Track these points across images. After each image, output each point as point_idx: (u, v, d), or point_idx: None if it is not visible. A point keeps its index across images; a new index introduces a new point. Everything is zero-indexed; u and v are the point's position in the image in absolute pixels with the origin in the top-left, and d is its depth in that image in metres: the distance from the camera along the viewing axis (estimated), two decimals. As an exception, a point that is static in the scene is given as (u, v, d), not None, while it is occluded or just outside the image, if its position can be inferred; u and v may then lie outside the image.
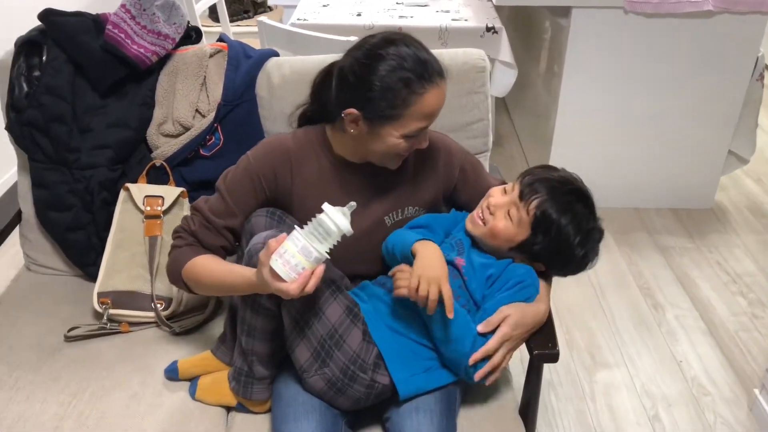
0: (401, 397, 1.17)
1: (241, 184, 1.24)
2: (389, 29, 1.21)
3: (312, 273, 1.03)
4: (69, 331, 1.42)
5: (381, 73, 1.10)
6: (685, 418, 1.84)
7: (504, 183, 1.36)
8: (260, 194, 1.25)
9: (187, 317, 1.50)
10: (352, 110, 1.14)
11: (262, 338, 1.19)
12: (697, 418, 1.84)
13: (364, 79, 1.12)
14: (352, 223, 1.23)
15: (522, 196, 1.19)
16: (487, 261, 1.22)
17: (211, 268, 1.20)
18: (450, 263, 1.22)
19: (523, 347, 1.24)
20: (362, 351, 1.16)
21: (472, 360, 1.13)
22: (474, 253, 1.25)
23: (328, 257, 1.04)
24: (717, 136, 2.76)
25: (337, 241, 1.04)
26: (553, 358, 1.22)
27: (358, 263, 1.29)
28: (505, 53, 2.58)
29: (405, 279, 1.12)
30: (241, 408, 1.27)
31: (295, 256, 1.02)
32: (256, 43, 2.59)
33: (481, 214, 1.24)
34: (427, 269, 1.11)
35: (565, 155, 2.83)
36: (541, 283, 1.24)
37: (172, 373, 1.31)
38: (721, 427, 1.81)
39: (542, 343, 1.22)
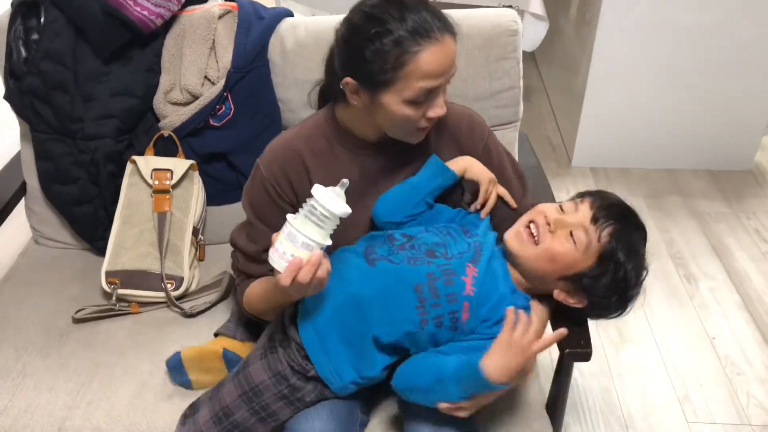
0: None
1: (261, 198, 1.15)
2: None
3: (305, 261, 0.94)
4: (76, 312, 1.37)
5: (372, 34, 0.98)
6: (716, 399, 1.77)
7: (520, 174, 1.24)
8: (282, 203, 1.15)
9: (199, 296, 1.45)
10: (349, 79, 1.04)
11: None
12: (729, 400, 1.76)
13: (356, 43, 1.01)
14: (369, 203, 1.16)
15: (595, 219, 1.03)
16: (503, 291, 1.05)
17: (258, 291, 1.14)
18: (443, 269, 1.04)
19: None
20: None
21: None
22: (499, 264, 1.08)
23: (324, 243, 0.95)
24: (760, 92, 2.58)
25: (337, 225, 0.96)
26: (585, 357, 1.13)
27: None
28: (536, 4, 2.41)
29: None
30: (230, 356, 1.22)
31: (283, 243, 0.94)
32: (270, -7, 2.45)
33: (534, 230, 1.05)
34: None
35: (597, 111, 2.69)
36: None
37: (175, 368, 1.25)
38: (754, 410, 1.74)
39: (574, 340, 1.14)
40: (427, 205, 1.17)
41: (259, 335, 1.22)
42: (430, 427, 1.06)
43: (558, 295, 1.07)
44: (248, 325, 1.29)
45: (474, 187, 1.17)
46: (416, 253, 1.07)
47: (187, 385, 1.23)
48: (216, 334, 1.32)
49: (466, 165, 1.16)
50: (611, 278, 1.03)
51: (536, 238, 1.05)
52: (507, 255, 1.09)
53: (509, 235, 1.08)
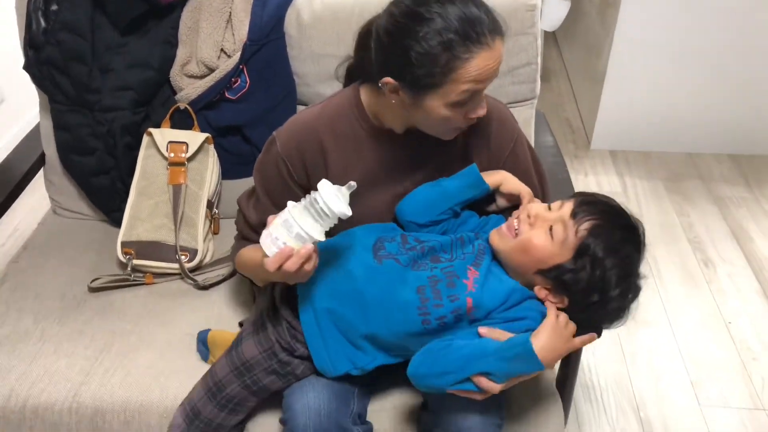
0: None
1: (272, 175, 1.13)
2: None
3: (295, 252, 0.93)
4: (92, 281, 1.39)
5: (419, 36, 0.93)
6: (730, 384, 1.75)
7: (543, 179, 1.22)
8: (292, 183, 1.13)
9: (213, 269, 1.46)
10: (390, 79, 0.99)
11: None
12: (743, 384, 1.75)
13: (401, 43, 0.95)
14: (390, 191, 1.14)
15: (574, 215, 1.00)
16: (513, 283, 1.04)
17: (247, 255, 1.13)
18: (446, 272, 1.03)
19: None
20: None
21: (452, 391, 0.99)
22: (496, 268, 1.06)
23: (318, 239, 0.94)
24: (787, 76, 2.53)
25: (334, 224, 0.95)
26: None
27: None
28: (558, -18, 2.37)
29: None
30: None
31: (277, 229, 0.94)
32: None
33: (515, 225, 1.04)
34: None
35: (618, 93, 2.65)
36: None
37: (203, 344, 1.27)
38: (768, 395, 1.72)
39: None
40: (454, 213, 1.15)
41: None
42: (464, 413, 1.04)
43: (539, 291, 1.03)
44: None
45: (511, 200, 1.15)
46: (422, 258, 1.07)
47: (205, 357, 1.26)
48: (241, 324, 1.32)
49: (502, 178, 1.13)
50: (589, 275, 0.99)
51: (516, 231, 1.04)
52: (494, 253, 1.07)
53: (493, 232, 1.07)
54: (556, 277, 1.00)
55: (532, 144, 1.53)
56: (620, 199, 1.06)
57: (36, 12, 1.47)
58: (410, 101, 1.01)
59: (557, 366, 1.24)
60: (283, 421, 1.09)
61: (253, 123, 1.51)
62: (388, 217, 1.16)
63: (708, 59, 2.51)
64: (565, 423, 1.20)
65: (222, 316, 1.35)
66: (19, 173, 1.54)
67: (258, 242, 1.01)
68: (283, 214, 0.94)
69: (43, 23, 1.47)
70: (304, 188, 1.14)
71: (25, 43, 1.49)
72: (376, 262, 1.05)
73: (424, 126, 1.07)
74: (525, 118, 1.51)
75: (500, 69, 1.41)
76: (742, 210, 2.38)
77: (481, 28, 0.94)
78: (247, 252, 1.15)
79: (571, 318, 1.01)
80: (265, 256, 0.94)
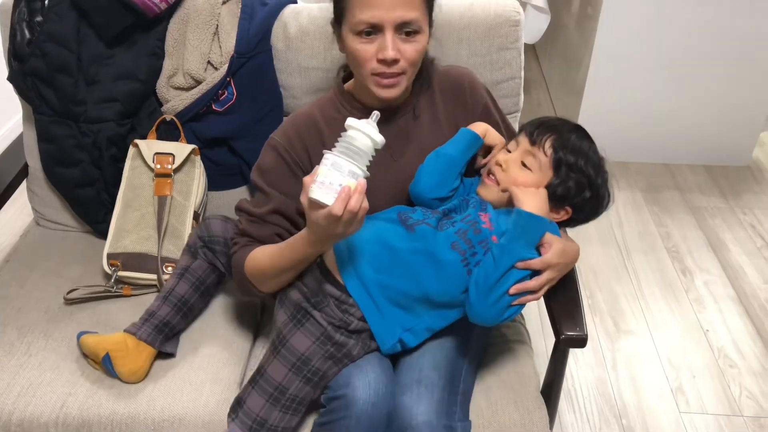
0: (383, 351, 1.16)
1: (275, 166, 1.19)
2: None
3: (353, 189, 0.96)
4: (68, 293, 1.38)
5: None
6: (709, 390, 1.79)
7: (513, 134, 1.31)
8: (296, 168, 1.19)
9: (200, 280, 1.46)
10: (335, 25, 1.15)
11: None
12: (722, 391, 1.79)
13: None
14: (391, 174, 1.21)
15: (533, 142, 1.15)
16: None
17: (269, 251, 1.15)
18: (467, 221, 1.13)
19: (549, 329, 1.18)
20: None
21: (514, 290, 1.07)
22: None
23: (367, 173, 0.98)
24: (759, 88, 2.60)
25: (372, 156, 0.99)
26: (581, 342, 1.16)
27: None
28: (539, -3, 2.41)
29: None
30: (107, 362, 1.19)
31: (328, 175, 0.96)
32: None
33: (491, 175, 1.17)
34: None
35: (596, 105, 2.70)
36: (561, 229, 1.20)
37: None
38: (746, 401, 1.76)
39: (569, 325, 1.16)
40: (461, 176, 1.24)
41: (167, 340, 1.26)
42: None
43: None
44: (160, 326, 1.26)
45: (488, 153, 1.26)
46: (442, 218, 1.17)
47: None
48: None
49: (484, 130, 1.24)
50: (574, 179, 1.14)
51: (496, 180, 1.17)
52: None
53: (478, 189, 1.20)
54: (552, 195, 1.14)
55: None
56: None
57: (20, 23, 1.46)
58: (341, 42, 1.14)
59: (542, 375, 1.26)
60: (335, 398, 1.09)
61: (239, 135, 1.52)
62: (385, 192, 1.21)
63: (685, 71, 2.58)
64: (551, 430, 1.22)
65: (206, 326, 1.35)
66: (2, 185, 1.53)
67: (263, 236, 1.11)
68: (327, 161, 0.96)
69: (27, 34, 1.46)
70: (306, 173, 1.16)
71: (9, 54, 1.48)
72: (409, 231, 1.13)
73: (355, 71, 1.16)
74: (509, 130, 1.54)
75: (485, 82, 1.47)
76: (718, 220, 2.44)
77: None
78: (269, 245, 1.16)
79: (576, 218, 1.18)
80: (312, 211, 0.98)
